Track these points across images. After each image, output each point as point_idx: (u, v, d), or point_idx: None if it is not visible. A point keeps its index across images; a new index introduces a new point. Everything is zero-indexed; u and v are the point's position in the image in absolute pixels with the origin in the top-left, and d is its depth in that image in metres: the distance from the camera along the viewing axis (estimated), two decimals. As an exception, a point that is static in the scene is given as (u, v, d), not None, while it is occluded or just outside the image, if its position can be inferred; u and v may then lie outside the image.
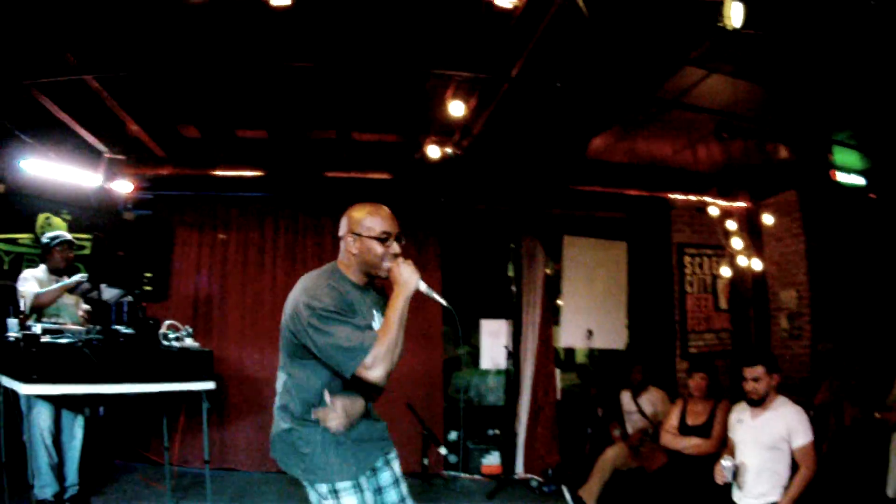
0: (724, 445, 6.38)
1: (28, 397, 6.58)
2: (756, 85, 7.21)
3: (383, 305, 3.82)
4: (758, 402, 6.10)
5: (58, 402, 6.93)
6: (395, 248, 3.74)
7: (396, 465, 4.02)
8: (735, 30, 4.49)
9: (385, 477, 3.99)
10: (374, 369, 3.42)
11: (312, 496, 3.76)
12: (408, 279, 3.61)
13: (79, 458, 7.24)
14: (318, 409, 3.72)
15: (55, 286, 6.98)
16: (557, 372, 10.41)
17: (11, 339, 6.27)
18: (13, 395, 6.28)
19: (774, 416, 6.01)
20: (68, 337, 6.27)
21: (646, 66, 6.64)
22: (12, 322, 6.41)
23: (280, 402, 3.77)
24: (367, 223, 3.75)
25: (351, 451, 3.76)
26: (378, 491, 3.92)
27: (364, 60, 6.80)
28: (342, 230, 3.82)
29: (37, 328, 6.21)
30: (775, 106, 7.58)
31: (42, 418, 6.81)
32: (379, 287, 4.03)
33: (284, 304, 3.70)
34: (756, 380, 6.09)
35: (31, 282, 7.06)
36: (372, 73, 7.08)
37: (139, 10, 5.96)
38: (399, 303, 3.55)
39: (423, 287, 3.65)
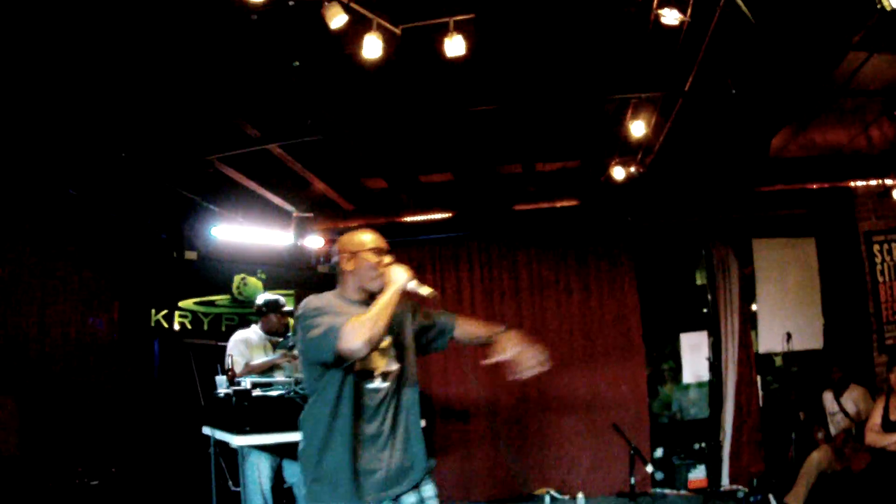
0: None
1: (242, 448, 7.19)
2: None
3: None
4: None
5: (273, 451, 7.37)
6: (386, 258, 4.00)
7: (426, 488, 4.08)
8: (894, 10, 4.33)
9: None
10: (349, 340, 3.49)
11: None
12: (398, 277, 3.81)
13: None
14: None
15: (266, 360, 7.58)
16: (758, 379, 11.05)
17: (221, 395, 6.91)
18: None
19: None
20: (278, 389, 6.85)
21: (811, 57, 6.89)
22: (221, 379, 7.08)
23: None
24: (358, 240, 4.07)
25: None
26: None
27: (543, 95, 7.36)
28: (334, 258, 4.15)
29: (246, 383, 6.74)
30: None
31: (262, 464, 7.22)
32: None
33: None
34: None
35: (241, 346, 7.74)
36: (552, 106, 7.72)
37: (313, 77, 6.54)
38: (387, 294, 3.74)
39: (412, 285, 3.87)
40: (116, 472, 8.07)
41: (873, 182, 10.46)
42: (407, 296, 3.91)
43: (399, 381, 4.01)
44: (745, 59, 6.69)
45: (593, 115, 7.99)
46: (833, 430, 8.79)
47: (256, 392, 6.66)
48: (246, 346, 7.72)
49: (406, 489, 3.88)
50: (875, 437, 7.48)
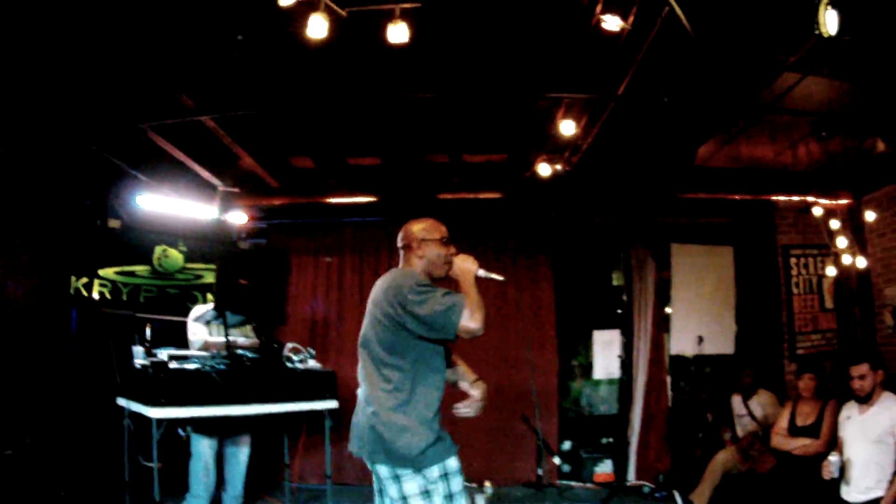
0: (834, 446, 6.96)
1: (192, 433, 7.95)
2: (851, 83, 7.60)
3: None
4: (865, 399, 6.68)
5: (213, 430, 8.04)
6: (452, 248, 4.52)
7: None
8: (831, 36, 4.48)
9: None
10: (474, 320, 4.02)
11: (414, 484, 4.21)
12: (468, 267, 4.35)
13: (243, 475, 8.43)
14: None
15: (222, 339, 7.76)
16: (668, 379, 11.47)
17: (138, 366, 7.05)
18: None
19: (880, 411, 6.57)
20: (194, 362, 7.05)
21: (746, 75, 7.22)
22: (138, 350, 7.24)
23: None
24: (427, 230, 4.54)
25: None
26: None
27: (480, 88, 7.51)
28: (403, 241, 4.60)
29: (163, 355, 6.95)
30: (871, 101, 7.94)
31: (203, 445, 8.00)
32: None
33: (371, 307, 4.46)
34: (862, 377, 6.63)
35: (202, 326, 8.21)
36: (487, 99, 7.93)
37: (254, 51, 6.61)
38: (468, 283, 4.25)
39: (482, 272, 4.39)
40: (31, 442, 8.24)
41: (795, 197, 10.74)
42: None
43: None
44: (680, 69, 6.97)
45: (525, 110, 8.26)
46: (740, 432, 9.24)
47: (173, 364, 6.71)
48: (204, 322, 8.15)
49: None
50: (781, 440, 7.81)
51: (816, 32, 4.96)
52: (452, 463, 4.24)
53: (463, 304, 4.02)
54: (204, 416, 7.34)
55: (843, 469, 6.47)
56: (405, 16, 5.33)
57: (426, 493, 4.11)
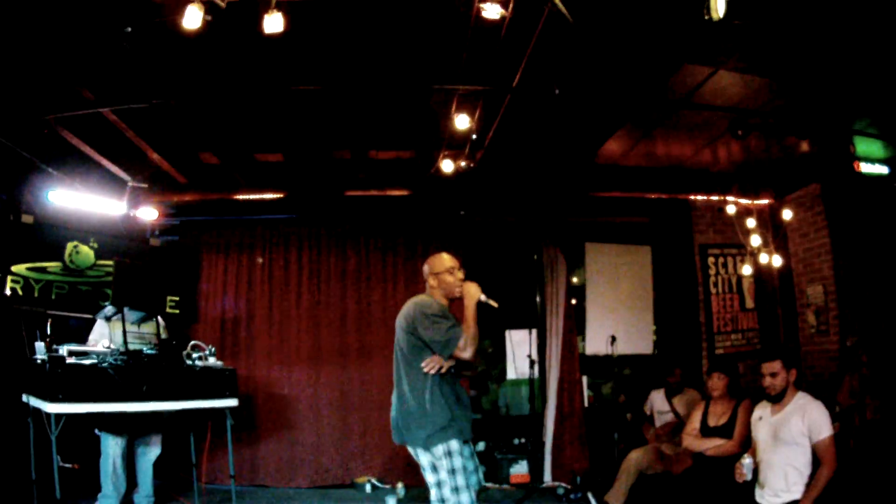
0: (749, 446, 7.04)
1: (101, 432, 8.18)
2: (767, 78, 7.79)
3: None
4: (776, 398, 6.62)
5: (121, 429, 8.19)
6: (460, 275, 5.86)
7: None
8: (721, 20, 4.63)
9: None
10: (466, 350, 5.41)
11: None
12: (473, 293, 5.65)
13: (151, 474, 8.65)
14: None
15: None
16: (584, 379, 11.78)
17: (38, 360, 7.07)
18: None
19: (793, 412, 6.46)
20: (92, 358, 7.11)
21: (642, 65, 7.44)
22: (39, 345, 7.28)
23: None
24: (440, 264, 5.90)
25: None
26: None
27: (365, 80, 7.69)
28: (425, 274, 5.95)
29: (63, 350, 7.01)
30: (790, 98, 8.27)
31: (111, 444, 8.18)
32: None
33: (399, 322, 5.75)
34: (773, 375, 6.58)
35: (103, 322, 8.51)
36: (376, 92, 8.07)
37: (144, 44, 6.66)
38: (470, 309, 5.60)
39: (483, 297, 5.66)
40: None
41: (714, 197, 10.89)
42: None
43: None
44: (574, 61, 7.23)
45: (420, 105, 8.46)
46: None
47: (71, 360, 6.73)
48: (104, 318, 8.42)
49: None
50: (692, 441, 7.90)
51: (706, 17, 5.06)
52: (454, 444, 5.42)
53: (458, 338, 5.41)
54: (102, 413, 7.54)
55: (756, 471, 6.45)
56: (284, 7, 5.43)
57: (433, 467, 5.45)
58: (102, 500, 8.06)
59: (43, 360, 6.90)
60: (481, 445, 11.41)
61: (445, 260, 5.89)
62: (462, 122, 8.04)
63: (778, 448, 6.36)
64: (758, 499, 6.47)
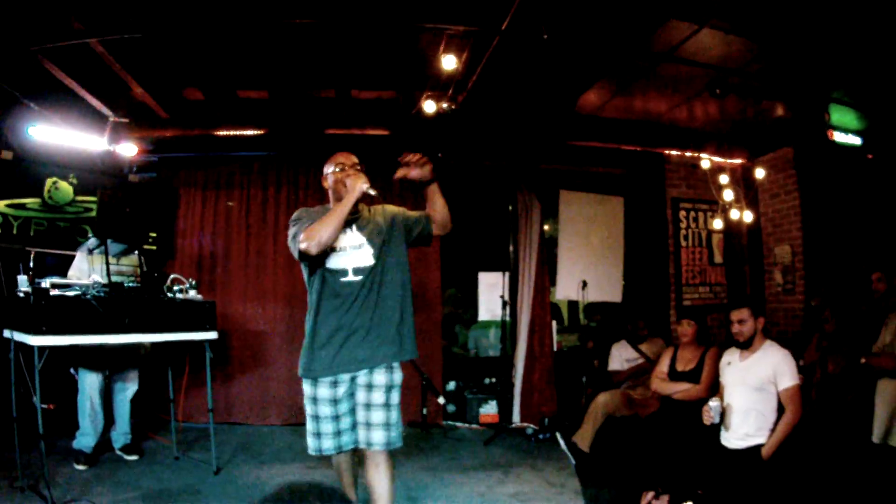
0: (716, 392, 7.18)
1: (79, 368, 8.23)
2: (749, 41, 7.88)
3: (363, 227, 5.24)
4: (745, 345, 6.76)
5: (98, 365, 8.27)
6: (346, 172, 5.17)
7: (380, 377, 5.08)
8: None
9: (362, 379, 5.11)
10: (305, 241, 4.74)
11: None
12: (353, 186, 4.91)
13: (128, 411, 8.68)
14: None
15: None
16: (554, 324, 11.87)
17: (21, 294, 7.07)
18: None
19: (762, 358, 6.64)
20: (75, 290, 7.06)
21: (631, 15, 7.46)
22: (22, 279, 7.26)
23: None
24: (330, 164, 5.37)
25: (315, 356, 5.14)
26: (353, 392, 5.15)
27: (358, 16, 7.57)
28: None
29: (46, 283, 6.94)
30: (769, 62, 8.44)
31: (89, 379, 8.25)
32: (367, 215, 5.39)
33: None
34: (741, 322, 6.73)
35: (84, 255, 8.40)
36: (367, 29, 7.98)
37: None
38: (344, 202, 4.89)
39: (365, 187, 4.92)
40: None
41: (689, 153, 11.00)
42: (364, 197, 5.00)
43: (374, 276, 5.09)
44: (564, 7, 7.18)
45: (407, 44, 8.37)
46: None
47: (54, 292, 6.73)
48: (87, 251, 8.37)
49: (354, 372, 5.04)
50: (661, 384, 8.10)
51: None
52: (305, 386, 5.10)
53: (300, 230, 4.85)
54: (84, 345, 7.64)
55: (723, 415, 6.59)
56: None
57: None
58: (80, 437, 8.05)
59: (26, 293, 6.82)
60: (451, 385, 11.65)
61: (335, 157, 5.34)
62: (449, 62, 8.07)
63: (745, 393, 6.51)
64: (723, 441, 6.60)
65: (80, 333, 6.88)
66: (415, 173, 5.09)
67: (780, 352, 6.53)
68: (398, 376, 5.15)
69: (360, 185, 4.87)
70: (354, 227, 5.18)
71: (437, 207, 5.34)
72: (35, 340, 6.51)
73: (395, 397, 5.14)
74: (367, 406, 5.00)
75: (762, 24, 7.36)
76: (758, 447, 6.32)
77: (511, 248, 11.93)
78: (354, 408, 5.09)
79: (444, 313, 11.90)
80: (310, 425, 5.10)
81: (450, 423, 11.19)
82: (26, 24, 7.47)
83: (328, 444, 5.06)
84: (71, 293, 6.90)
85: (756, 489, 6.17)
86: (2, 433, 7.67)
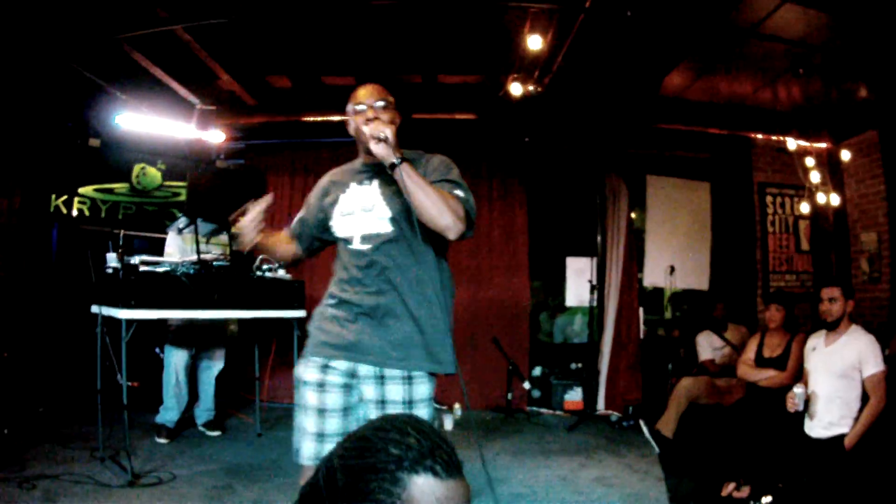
0: (801, 379, 6.78)
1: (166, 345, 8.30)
2: (829, 14, 7.47)
3: (386, 182, 3.90)
4: (833, 325, 6.46)
5: (186, 342, 8.32)
6: (369, 113, 3.87)
7: (394, 389, 3.82)
8: None
9: (369, 390, 3.86)
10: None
11: None
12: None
13: (213, 388, 8.74)
14: None
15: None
16: (641, 311, 11.69)
17: (110, 270, 7.19)
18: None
19: (847, 343, 6.34)
20: (164, 266, 7.15)
21: None
22: (111, 256, 7.31)
23: None
24: (349, 103, 4.05)
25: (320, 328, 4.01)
26: (360, 400, 3.92)
27: None
28: None
29: (135, 259, 7.00)
30: (850, 39, 8.03)
31: (176, 356, 8.31)
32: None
33: None
34: (832, 300, 6.42)
35: (175, 235, 8.47)
36: (451, 9, 7.88)
37: None
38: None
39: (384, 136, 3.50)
40: (7, 356, 8.58)
41: (774, 137, 10.80)
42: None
43: (390, 248, 3.81)
44: None
45: (492, 25, 8.26)
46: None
47: (144, 268, 6.80)
48: (176, 230, 8.49)
49: (352, 362, 3.79)
50: (747, 370, 7.82)
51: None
52: (300, 368, 3.90)
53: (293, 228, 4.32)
54: (173, 323, 8.01)
55: (807, 402, 6.29)
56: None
57: None
58: (164, 411, 8.15)
59: (115, 269, 6.93)
60: (537, 370, 11.58)
61: (355, 92, 4.04)
62: (535, 42, 7.89)
63: (829, 379, 6.26)
64: (807, 430, 6.37)
65: (168, 308, 6.98)
66: (374, 148, 3.51)
67: (866, 336, 6.25)
68: (423, 390, 3.85)
69: (378, 131, 3.45)
70: (375, 181, 3.91)
71: (413, 203, 3.52)
72: (123, 314, 6.54)
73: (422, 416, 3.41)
74: None
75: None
76: (841, 437, 6.06)
77: (598, 233, 11.70)
78: (353, 416, 3.84)
79: (530, 302, 11.76)
80: (296, 417, 3.87)
81: (534, 408, 11.09)
82: (112, 13, 7.56)
83: (306, 450, 3.73)
84: (160, 269, 6.98)
85: (838, 480, 5.93)
86: (85, 406, 7.93)
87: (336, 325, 3.82)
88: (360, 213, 3.85)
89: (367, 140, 3.53)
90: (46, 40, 8.09)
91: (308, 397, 3.77)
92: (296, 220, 4.30)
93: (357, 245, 3.82)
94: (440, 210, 3.53)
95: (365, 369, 3.76)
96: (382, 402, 3.75)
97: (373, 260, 3.77)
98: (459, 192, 3.74)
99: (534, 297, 12.33)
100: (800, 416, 6.42)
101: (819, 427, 6.25)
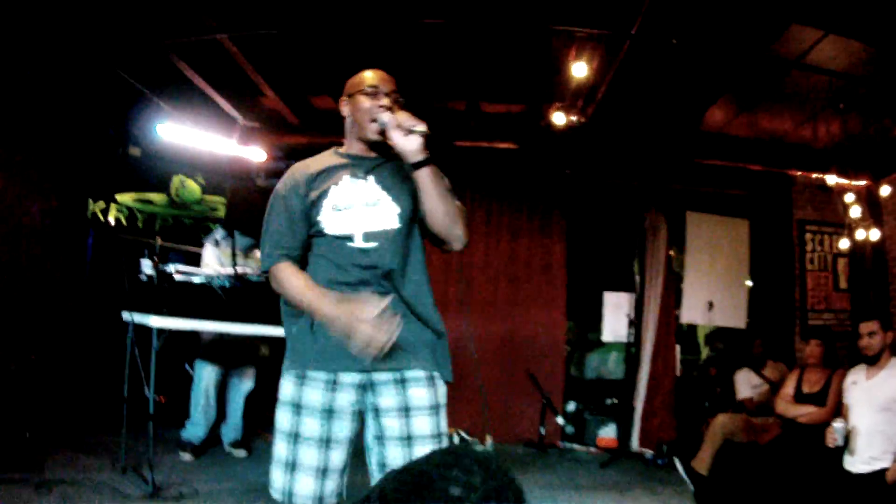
0: (840, 415, 6.64)
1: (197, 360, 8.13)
2: (873, 49, 7.43)
3: (385, 175, 3.51)
4: (873, 360, 6.36)
5: (219, 361, 8.15)
6: (384, 100, 3.42)
7: (419, 392, 3.34)
8: None
9: (388, 399, 3.31)
10: (269, 276, 3.50)
11: None
12: (344, 327, 3.06)
13: (242, 407, 8.51)
14: None
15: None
16: (678, 349, 11.56)
17: (144, 277, 7.10)
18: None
19: (889, 376, 6.22)
20: (201, 278, 7.12)
21: (753, 21, 7.17)
22: (146, 262, 7.21)
23: None
24: (356, 79, 3.59)
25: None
26: (375, 412, 3.33)
27: (490, 17, 7.35)
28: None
29: (170, 268, 6.98)
30: (891, 75, 7.85)
31: (206, 371, 8.13)
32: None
33: None
34: (871, 334, 6.32)
35: (211, 247, 8.19)
36: (497, 33, 7.74)
37: None
38: (316, 305, 3.25)
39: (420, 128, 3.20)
40: (36, 359, 8.48)
41: (814, 174, 10.70)
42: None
43: (397, 246, 3.38)
44: (691, 10, 6.96)
45: (537, 51, 8.20)
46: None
47: (179, 277, 6.73)
48: (213, 242, 8.21)
49: (369, 371, 3.27)
50: (786, 406, 7.65)
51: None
52: (283, 384, 3.47)
53: (265, 241, 3.48)
54: (206, 337, 7.86)
55: (847, 437, 6.12)
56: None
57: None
58: (190, 427, 7.95)
59: (150, 276, 6.87)
60: (571, 406, 11.27)
61: (373, 72, 3.60)
62: (580, 69, 7.69)
63: (870, 413, 6.11)
64: (847, 466, 6.16)
65: (201, 319, 6.81)
66: (399, 140, 3.22)
67: None
68: (443, 392, 3.44)
69: (413, 122, 3.19)
70: (372, 175, 3.45)
71: (430, 205, 3.28)
72: (155, 321, 6.43)
73: (444, 425, 3.37)
74: (408, 440, 3.25)
75: (880, 26, 6.93)
76: (883, 471, 5.87)
77: (637, 269, 11.61)
78: (371, 441, 3.38)
79: (566, 336, 11.53)
80: (281, 448, 3.31)
81: (567, 444, 10.77)
82: (160, 20, 7.45)
83: (304, 488, 3.23)
84: (196, 280, 6.88)
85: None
86: (111, 415, 7.65)
87: None
88: (361, 207, 3.37)
89: (389, 128, 3.24)
90: (93, 44, 7.98)
91: (309, 425, 3.27)
92: (283, 234, 3.44)
93: (359, 243, 3.33)
94: (455, 218, 3.34)
95: (384, 376, 3.27)
96: (406, 410, 3.26)
97: (378, 258, 3.33)
98: (459, 203, 3.45)
99: (570, 332, 12.15)
100: (839, 453, 6.23)
101: (860, 462, 6.06)
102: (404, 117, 3.22)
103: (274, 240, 3.43)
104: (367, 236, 3.33)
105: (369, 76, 3.55)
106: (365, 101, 3.47)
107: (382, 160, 3.49)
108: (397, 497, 1.62)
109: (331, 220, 3.36)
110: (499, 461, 1.71)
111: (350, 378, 3.27)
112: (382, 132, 3.34)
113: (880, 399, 6.07)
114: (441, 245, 3.48)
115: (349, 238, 3.33)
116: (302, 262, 3.49)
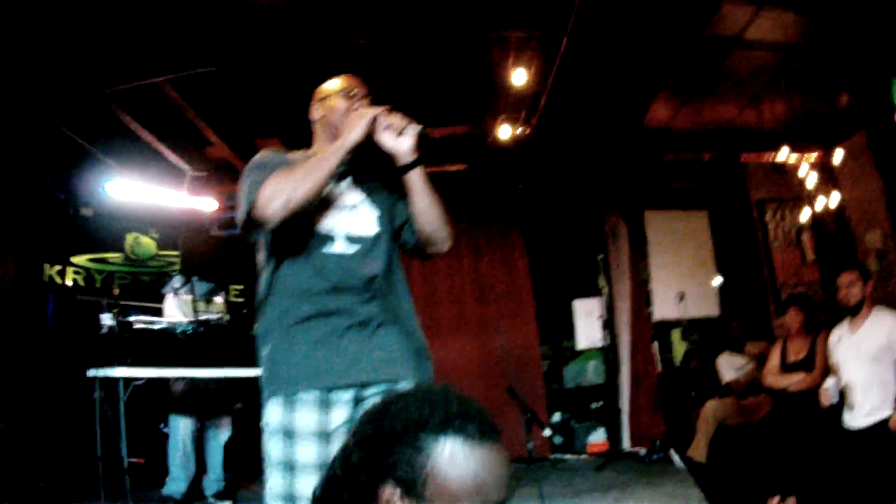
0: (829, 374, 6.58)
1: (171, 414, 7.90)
2: (808, 20, 7.44)
3: (363, 180, 3.38)
4: (855, 310, 6.27)
5: (194, 412, 7.95)
6: (362, 103, 3.31)
7: None
8: None
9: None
10: (263, 203, 2.85)
11: None
12: (354, 124, 3.03)
13: (221, 458, 8.24)
14: None
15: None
16: (656, 345, 11.45)
17: (105, 329, 6.87)
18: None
19: (873, 325, 6.15)
20: (162, 325, 7.07)
21: (686, 3, 7.13)
22: (106, 316, 6.97)
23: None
24: (329, 86, 3.42)
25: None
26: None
27: (419, 31, 7.32)
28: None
29: (131, 318, 6.95)
30: (827, 44, 7.91)
31: (181, 424, 7.89)
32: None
33: None
34: (850, 284, 6.26)
35: (171, 297, 8.12)
36: (434, 48, 7.69)
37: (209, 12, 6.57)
38: (335, 145, 3.02)
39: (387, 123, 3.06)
40: (4, 427, 8.16)
41: (765, 154, 11.06)
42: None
43: (377, 251, 3.19)
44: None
45: (476, 64, 8.12)
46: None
47: (139, 325, 6.64)
48: (172, 291, 8.15)
49: (364, 382, 2.98)
50: (774, 378, 7.55)
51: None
52: (271, 408, 2.98)
53: (256, 185, 2.89)
54: (177, 390, 7.67)
55: (842, 394, 6.07)
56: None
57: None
58: (170, 482, 7.69)
59: (110, 328, 6.66)
60: (557, 416, 11.18)
61: (338, 79, 3.43)
62: (519, 76, 7.78)
63: (862, 366, 6.03)
64: (848, 423, 6.09)
65: (167, 366, 6.74)
66: (390, 142, 3.10)
67: (891, 315, 6.07)
68: None
69: (361, 127, 3.00)
70: (349, 176, 3.30)
71: (422, 205, 3.16)
72: (119, 372, 6.36)
73: None
74: None
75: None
76: (885, 421, 5.76)
77: (602, 273, 11.64)
78: None
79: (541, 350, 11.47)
80: (276, 482, 2.89)
81: (558, 455, 10.67)
82: (96, 68, 7.34)
83: None
84: (157, 326, 6.77)
85: (890, 466, 5.57)
86: (87, 477, 7.37)
87: (323, 344, 2.94)
88: (340, 211, 3.16)
89: (379, 129, 3.04)
90: (34, 101, 7.85)
91: (304, 451, 2.86)
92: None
93: (341, 247, 3.08)
94: (443, 221, 3.20)
95: (375, 389, 2.96)
96: None
97: (360, 263, 3.09)
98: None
99: (545, 346, 11.99)
100: (837, 414, 6.16)
101: (860, 416, 5.98)
102: (399, 118, 3.08)
103: (254, 187, 2.92)
104: (351, 240, 3.12)
105: (344, 79, 3.43)
106: (341, 103, 3.31)
107: (352, 162, 3.16)
108: (358, 437, 1.61)
109: (309, 217, 3.05)
110: (462, 393, 1.67)
111: (342, 395, 2.93)
112: (369, 136, 3.08)
113: (869, 349, 6.00)
114: (426, 248, 3.30)
115: (329, 240, 3.08)
116: (277, 269, 3.10)
